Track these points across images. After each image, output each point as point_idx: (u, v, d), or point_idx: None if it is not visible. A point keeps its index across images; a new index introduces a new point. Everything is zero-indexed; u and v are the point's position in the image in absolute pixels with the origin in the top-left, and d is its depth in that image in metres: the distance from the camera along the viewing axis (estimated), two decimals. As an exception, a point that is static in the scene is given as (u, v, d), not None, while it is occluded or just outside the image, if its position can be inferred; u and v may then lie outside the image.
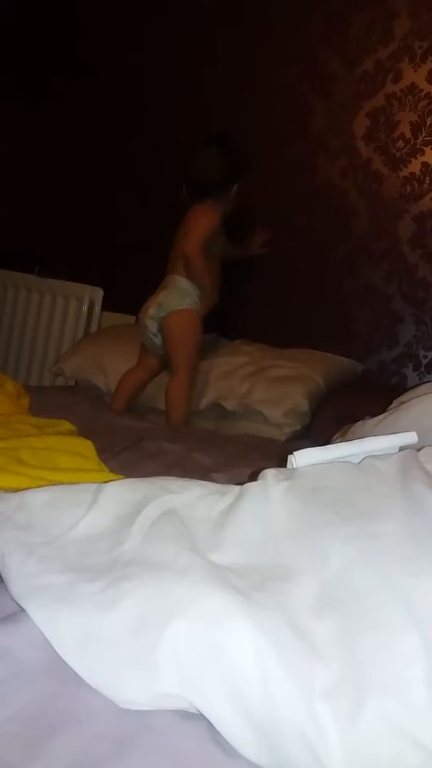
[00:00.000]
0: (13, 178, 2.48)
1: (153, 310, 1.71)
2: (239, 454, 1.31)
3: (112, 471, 1.00)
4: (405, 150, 1.93)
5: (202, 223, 1.70)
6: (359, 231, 2.00)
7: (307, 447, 0.78)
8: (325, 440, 1.24)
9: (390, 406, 1.15)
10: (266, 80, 2.09)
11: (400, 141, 1.93)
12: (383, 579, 0.55)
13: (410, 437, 0.79)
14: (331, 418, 1.53)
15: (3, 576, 0.62)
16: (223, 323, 1.92)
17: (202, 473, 1.10)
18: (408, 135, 1.92)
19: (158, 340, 1.72)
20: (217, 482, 0.83)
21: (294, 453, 0.76)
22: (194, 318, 1.72)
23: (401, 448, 0.78)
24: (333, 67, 2.01)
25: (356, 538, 0.59)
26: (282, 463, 0.79)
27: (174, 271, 1.74)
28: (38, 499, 0.71)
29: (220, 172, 1.75)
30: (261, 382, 1.69)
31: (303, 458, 0.76)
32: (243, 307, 2.08)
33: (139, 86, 2.27)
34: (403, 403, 1.12)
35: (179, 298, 1.70)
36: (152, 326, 1.72)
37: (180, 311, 1.69)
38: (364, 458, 0.75)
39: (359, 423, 1.14)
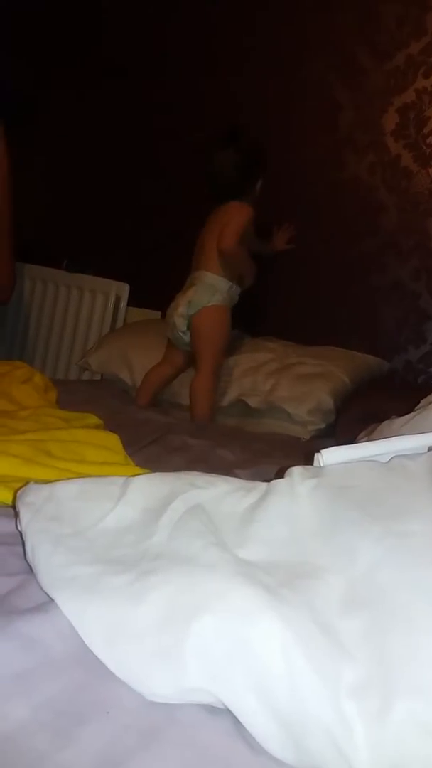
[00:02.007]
0: (41, 175, 2.50)
1: (183, 308, 1.70)
2: (263, 451, 1.31)
3: (137, 465, 1.00)
4: (435, 147, 1.90)
5: (237, 218, 1.69)
6: (387, 227, 1.98)
7: (332, 445, 0.78)
8: (349, 439, 1.23)
9: (418, 406, 1.14)
10: (294, 73, 2.08)
11: (431, 137, 1.91)
12: (412, 578, 0.55)
13: (440, 437, 0.78)
14: (356, 417, 1.52)
15: (32, 566, 0.63)
16: (247, 319, 1.91)
17: (226, 469, 1.10)
18: (439, 131, 1.89)
19: (186, 338, 1.72)
20: (240, 478, 0.83)
21: (321, 451, 0.76)
22: (224, 314, 1.71)
23: (430, 448, 0.77)
24: (363, 60, 1.99)
25: (385, 537, 0.59)
26: (308, 461, 0.78)
27: (201, 267, 1.73)
28: (68, 491, 0.72)
29: (242, 173, 1.73)
30: (285, 380, 1.69)
31: (330, 456, 0.75)
32: (267, 303, 2.07)
33: (165, 81, 2.27)
34: (431, 402, 1.11)
35: (209, 294, 1.69)
36: (182, 324, 1.71)
37: (210, 308, 1.69)
38: (392, 457, 0.75)
39: (386, 422, 1.13)
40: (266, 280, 2.05)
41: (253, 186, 1.76)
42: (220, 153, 1.74)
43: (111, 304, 2.33)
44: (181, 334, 1.72)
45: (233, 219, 1.69)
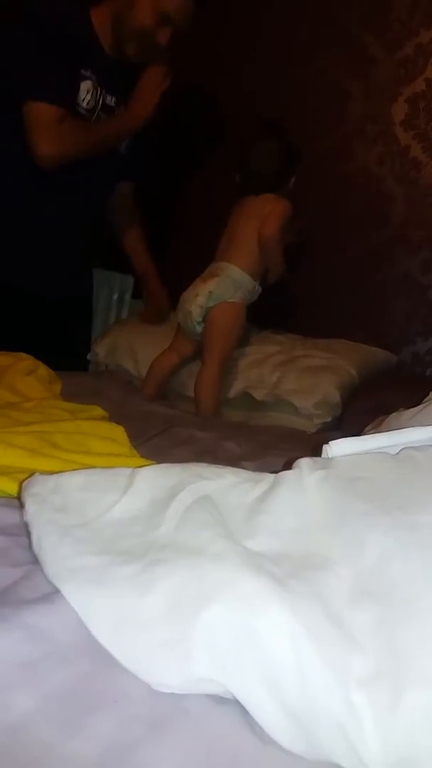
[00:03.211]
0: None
1: (203, 299, 1.65)
2: (269, 443, 1.31)
3: (143, 457, 1.00)
4: (445, 138, 1.89)
5: (279, 209, 1.67)
6: (396, 219, 1.97)
7: (339, 438, 0.77)
8: (356, 432, 1.22)
9: (426, 398, 1.13)
10: (303, 64, 2.07)
11: (440, 128, 1.89)
12: (422, 570, 0.54)
13: (450, 429, 0.77)
14: (362, 410, 1.52)
15: (38, 557, 0.63)
16: (254, 312, 1.90)
17: (233, 461, 1.09)
18: (448, 122, 1.88)
19: (200, 328, 1.68)
20: (247, 470, 0.83)
21: (329, 443, 0.76)
22: (242, 312, 1.69)
23: (439, 440, 0.77)
24: (372, 50, 1.98)
25: (394, 529, 0.58)
26: (315, 452, 0.78)
27: (228, 259, 1.69)
28: (74, 481, 0.71)
29: (282, 165, 1.71)
30: (292, 372, 1.68)
31: (338, 448, 0.75)
32: (274, 295, 2.06)
33: (175, 73, 2.25)
34: (439, 394, 1.10)
35: (232, 289, 1.66)
36: (198, 314, 1.67)
37: (231, 304, 1.65)
38: (401, 449, 0.74)
39: (394, 414, 1.12)
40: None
41: (287, 181, 1.74)
42: (261, 143, 1.71)
43: (115, 297, 2.33)
44: (195, 324, 1.69)
45: (276, 209, 1.67)
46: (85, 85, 1.62)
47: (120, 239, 2.00)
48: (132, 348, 1.89)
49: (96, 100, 1.66)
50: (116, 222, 1.98)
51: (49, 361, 1.47)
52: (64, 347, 1.73)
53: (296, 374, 1.66)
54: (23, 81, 1.50)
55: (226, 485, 0.71)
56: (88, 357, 2.00)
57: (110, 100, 1.71)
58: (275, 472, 0.75)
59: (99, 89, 1.66)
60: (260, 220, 1.66)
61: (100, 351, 1.95)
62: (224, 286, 1.65)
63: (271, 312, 2.04)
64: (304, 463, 0.72)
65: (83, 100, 1.62)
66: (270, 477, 0.73)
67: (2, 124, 1.58)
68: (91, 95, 1.64)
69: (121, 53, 1.65)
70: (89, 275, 2.04)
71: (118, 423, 1.09)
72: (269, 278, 1.72)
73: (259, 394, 1.67)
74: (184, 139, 1.97)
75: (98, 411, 1.21)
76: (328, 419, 1.62)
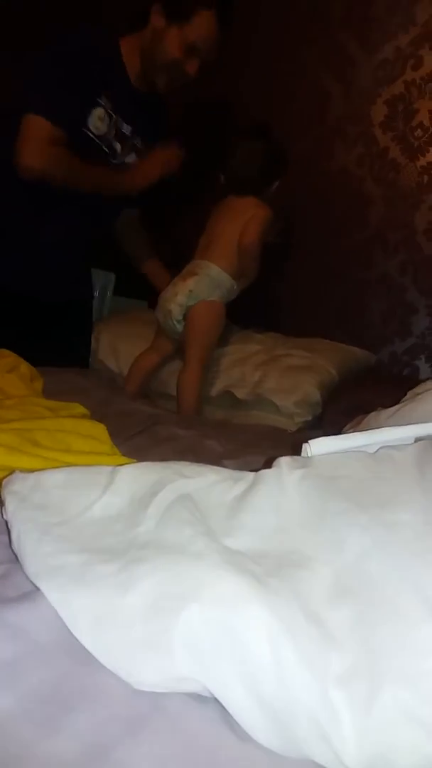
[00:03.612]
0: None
1: (182, 297, 1.66)
2: (250, 442, 1.31)
3: (124, 455, 1.00)
4: (423, 139, 1.91)
5: (261, 217, 1.68)
6: (375, 220, 1.98)
7: (319, 437, 0.78)
8: (336, 431, 1.23)
9: (404, 398, 1.14)
10: (283, 64, 2.07)
11: (419, 130, 1.91)
12: (400, 568, 0.55)
13: (427, 428, 0.78)
14: (342, 409, 1.53)
15: (18, 555, 0.62)
16: (235, 311, 1.91)
17: (214, 459, 1.10)
18: (426, 124, 1.90)
19: (180, 327, 1.69)
20: (228, 469, 0.83)
21: (309, 441, 0.76)
22: (222, 311, 1.69)
23: (417, 439, 0.78)
24: (352, 51, 1.99)
25: (373, 527, 0.59)
26: (296, 451, 0.79)
27: (208, 257, 1.69)
28: (54, 479, 0.71)
29: (267, 167, 1.71)
30: (273, 371, 1.69)
31: (318, 447, 0.75)
32: (255, 294, 2.07)
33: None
34: (417, 394, 1.11)
35: (211, 288, 1.66)
36: (178, 313, 1.67)
37: (210, 303, 1.66)
38: (379, 448, 0.75)
39: (373, 414, 1.14)
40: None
41: (271, 184, 1.74)
42: (248, 144, 1.72)
43: (97, 293, 2.32)
44: (175, 322, 1.69)
45: (257, 215, 1.67)
46: (97, 112, 1.65)
47: (135, 262, 2.02)
48: (113, 346, 1.88)
49: (108, 127, 1.68)
50: (126, 243, 2.02)
51: (49, 365, 1.49)
52: (63, 351, 1.73)
53: (277, 373, 1.67)
54: (32, 98, 1.55)
55: (207, 484, 0.71)
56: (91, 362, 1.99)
57: (126, 129, 1.74)
58: (256, 470, 0.75)
59: (114, 117, 1.68)
60: (241, 222, 1.67)
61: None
62: (203, 285, 1.66)
63: (252, 311, 2.05)
64: (284, 461, 0.73)
65: (93, 126, 1.65)
66: (250, 476, 0.73)
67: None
68: (103, 122, 1.67)
69: (150, 84, 1.68)
70: (89, 279, 2.04)
71: (100, 421, 1.09)
72: (241, 283, 1.73)
73: (240, 393, 1.68)
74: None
75: (79, 409, 1.20)
76: (309, 418, 1.64)
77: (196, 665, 0.50)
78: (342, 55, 2.00)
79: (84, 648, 0.53)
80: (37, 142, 1.53)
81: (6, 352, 1.41)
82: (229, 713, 0.49)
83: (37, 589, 0.57)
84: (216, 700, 0.50)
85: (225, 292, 1.69)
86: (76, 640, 0.54)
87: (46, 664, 0.52)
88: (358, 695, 0.46)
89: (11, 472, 0.75)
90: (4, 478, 0.74)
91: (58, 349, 1.69)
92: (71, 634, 0.54)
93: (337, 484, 0.67)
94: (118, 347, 1.87)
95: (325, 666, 0.48)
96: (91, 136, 1.65)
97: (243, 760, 0.48)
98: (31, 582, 0.59)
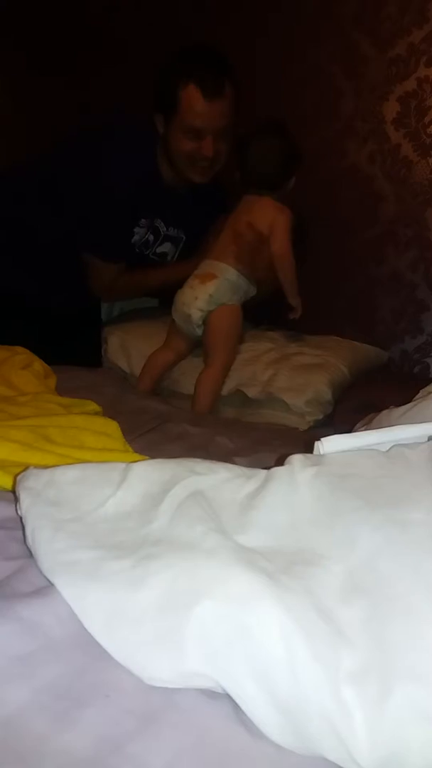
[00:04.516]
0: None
1: (203, 302, 1.63)
2: (262, 440, 1.31)
3: (136, 452, 1.00)
4: (435, 137, 1.89)
5: (284, 223, 1.66)
6: (386, 217, 1.97)
7: (330, 435, 0.78)
8: (346, 429, 1.23)
9: (416, 396, 1.14)
10: (297, 62, 2.06)
11: (431, 127, 1.90)
12: (412, 567, 0.55)
13: (440, 426, 0.78)
14: (352, 407, 1.52)
15: (32, 551, 0.63)
16: (247, 309, 1.91)
17: (225, 457, 1.10)
18: (439, 121, 1.88)
19: (200, 331, 1.67)
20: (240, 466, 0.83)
21: (321, 439, 0.76)
22: (239, 313, 1.68)
23: (430, 438, 0.78)
24: (364, 48, 1.98)
25: (385, 526, 0.59)
26: (307, 449, 0.79)
27: (222, 258, 1.66)
28: (68, 476, 0.72)
29: (282, 164, 1.69)
30: (284, 370, 1.68)
31: (330, 445, 0.75)
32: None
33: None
34: (430, 393, 1.11)
35: (230, 292, 1.65)
36: (198, 318, 1.65)
37: (229, 307, 1.64)
38: (392, 446, 0.75)
39: (385, 412, 1.13)
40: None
41: (287, 181, 1.72)
42: (265, 141, 1.69)
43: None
44: (195, 327, 1.67)
45: (278, 222, 1.65)
46: (139, 232, 1.77)
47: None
48: (124, 346, 1.88)
49: (149, 240, 1.81)
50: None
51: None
52: (72, 358, 1.75)
53: (289, 372, 1.67)
54: (84, 236, 1.71)
55: (219, 481, 0.71)
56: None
57: (172, 231, 1.85)
58: (267, 468, 0.75)
59: (154, 229, 1.79)
60: (262, 225, 1.65)
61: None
62: (224, 289, 1.64)
63: (264, 309, 2.05)
64: (296, 459, 0.73)
65: (135, 241, 1.78)
66: (262, 473, 0.74)
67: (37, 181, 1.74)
68: (142, 236, 1.78)
69: (188, 180, 1.70)
70: None
71: (112, 418, 1.10)
72: (260, 290, 1.72)
73: (251, 392, 1.68)
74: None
75: (92, 406, 1.21)
76: (320, 417, 1.63)
77: (209, 661, 0.51)
78: (354, 52, 1.98)
79: (97, 643, 0.54)
80: (102, 284, 1.79)
81: (20, 349, 1.42)
82: (241, 709, 0.50)
83: (51, 584, 0.58)
84: (228, 696, 0.50)
85: (242, 294, 1.68)
86: (90, 635, 0.54)
87: (60, 659, 0.52)
88: (371, 693, 0.46)
89: (25, 468, 0.76)
90: (19, 474, 0.75)
91: (67, 358, 1.70)
92: (85, 629, 0.55)
93: (350, 482, 0.67)
94: (129, 347, 1.87)
95: (338, 663, 0.48)
96: (135, 246, 1.79)
97: (254, 757, 0.48)
98: (45, 577, 0.59)
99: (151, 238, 1.81)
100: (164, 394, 1.77)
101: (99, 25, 2.38)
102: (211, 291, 1.63)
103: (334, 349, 1.77)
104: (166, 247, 1.86)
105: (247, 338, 1.84)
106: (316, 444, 0.76)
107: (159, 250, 1.86)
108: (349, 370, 1.70)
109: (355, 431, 1.16)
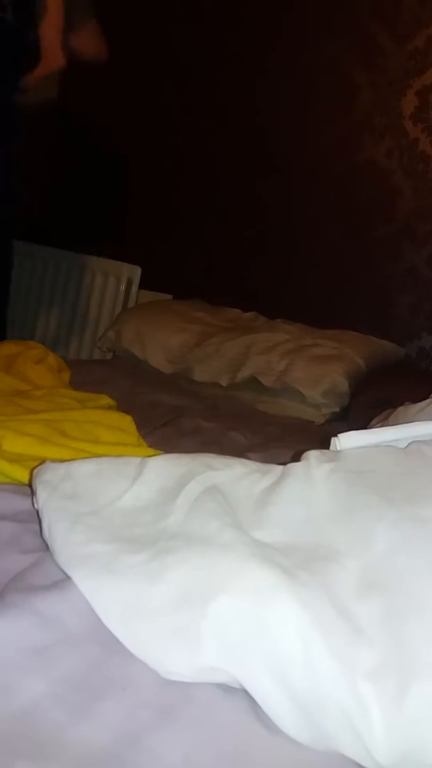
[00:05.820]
0: (53, 157, 2.49)
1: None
2: (276, 435, 1.31)
3: (150, 446, 1.00)
4: (455, 130, 1.87)
5: None
6: (403, 212, 1.95)
7: (345, 430, 0.78)
8: (362, 424, 1.22)
9: (433, 392, 1.13)
10: (312, 55, 2.05)
11: (450, 121, 1.88)
12: (428, 564, 0.54)
13: (458, 423, 0.77)
14: (368, 402, 1.52)
15: (49, 544, 0.63)
16: (263, 302, 1.90)
17: (239, 452, 1.10)
18: (458, 115, 1.86)
19: None
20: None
21: (338, 435, 0.76)
22: None
23: (447, 434, 0.77)
24: (382, 42, 1.95)
25: (402, 522, 0.59)
26: (322, 445, 0.78)
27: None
28: (84, 469, 0.72)
29: None
30: (300, 360, 1.67)
31: (347, 441, 0.75)
32: (283, 286, 2.06)
33: (183, 62, 2.24)
34: (446, 389, 1.10)
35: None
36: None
37: None
38: (409, 443, 0.74)
39: (401, 408, 1.13)
40: (282, 263, 2.03)
41: None
42: None
43: (122, 287, 2.33)
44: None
45: None
46: None
47: None
48: (139, 333, 1.89)
49: None
50: None
51: None
52: None
53: (304, 362, 1.65)
54: None
55: (235, 476, 0.71)
56: (98, 346, 1.98)
57: None
58: (283, 464, 0.75)
59: None
60: None
61: (107, 338, 1.96)
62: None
63: (279, 302, 2.04)
64: (313, 455, 0.72)
65: None
66: (278, 468, 0.73)
67: None
68: None
69: None
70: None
71: (126, 412, 1.10)
72: None
73: (266, 380, 1.67)
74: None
75: (106, 400, 1.21)
76: (336, 409, 1.61)
77: (225, 656, 0.50)
78: (371, 45, 1.96)
79: (114, 636, 0.54)
80: None
81: (34, 343, 1.43)
82: (257, 704, 0.49)
83: (68, 577, 0.58)
84: (245, 691, 0.50)
85: None
86: (106, 628, 0.54)
87: (77, 652, 0.53)
88: (388, 690, 0.46)
89: (41, 462, 0.76)
90: (35, 467, 0.75)
91: None
92: (101, 622, 0.55)
93: (366, 479, 0.67)
94: (143, 335, 1.88)
95: (355, 660, 0.48)
96: None
97: (271, 752, 0.48)
98: (62, 570, 0.60)
99: None
100: (181, 382, 1.77)
101: None
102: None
103: (351, 341, 1.76)
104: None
105: (263, 328, 1.83)
106: (333, 440, 0.76)
107: None
108: (365, 362, 1.68)
109: (371, 427, 1.16)
